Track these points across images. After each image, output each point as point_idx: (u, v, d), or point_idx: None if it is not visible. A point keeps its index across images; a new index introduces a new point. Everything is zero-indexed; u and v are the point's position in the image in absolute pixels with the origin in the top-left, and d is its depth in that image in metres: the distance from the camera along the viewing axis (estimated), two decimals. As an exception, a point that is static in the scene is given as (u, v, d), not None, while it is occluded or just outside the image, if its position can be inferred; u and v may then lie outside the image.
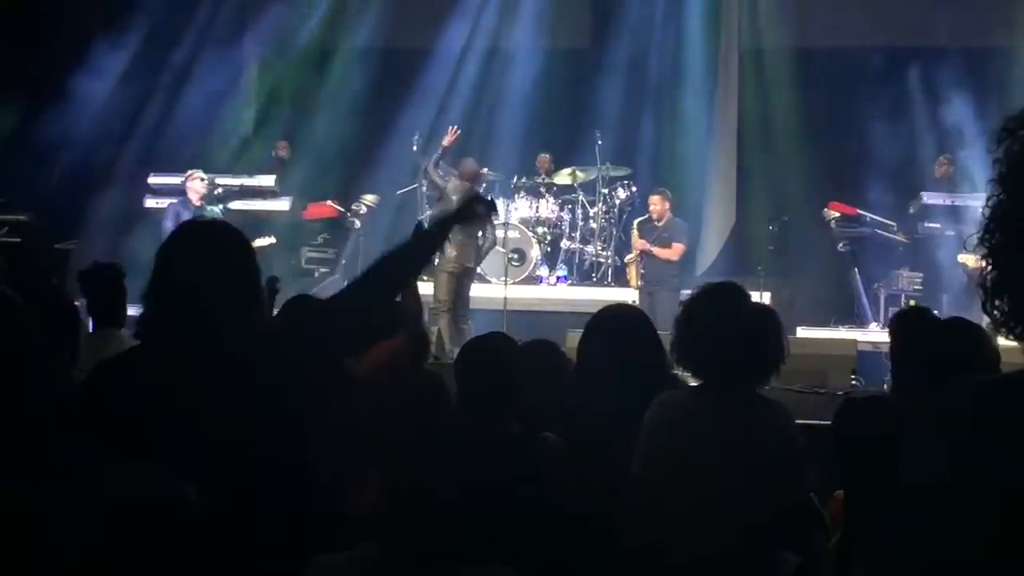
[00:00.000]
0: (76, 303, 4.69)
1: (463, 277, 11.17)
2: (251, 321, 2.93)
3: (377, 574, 2.97)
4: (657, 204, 11.99)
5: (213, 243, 2.97)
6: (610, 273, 13.00)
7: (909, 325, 4.42)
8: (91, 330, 5.39)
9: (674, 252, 11.83)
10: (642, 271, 11.97)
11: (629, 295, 11.63)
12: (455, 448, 3.95)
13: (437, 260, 11.24)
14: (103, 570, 2.09)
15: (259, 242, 10.63)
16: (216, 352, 2.82)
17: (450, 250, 10.95)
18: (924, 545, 1.52)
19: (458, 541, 3.44)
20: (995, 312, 1.61)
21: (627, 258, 12.37)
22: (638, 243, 12.01)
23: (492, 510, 3.72)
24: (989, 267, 1.61)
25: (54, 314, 3.94)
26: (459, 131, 11.89)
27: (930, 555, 1.52)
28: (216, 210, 11.69)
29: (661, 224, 11.94)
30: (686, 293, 11.49)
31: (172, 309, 2.88)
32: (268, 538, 2.82)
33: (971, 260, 10.30)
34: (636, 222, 12.29)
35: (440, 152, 11.56)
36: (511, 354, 4.22)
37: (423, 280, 11.66)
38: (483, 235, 11.43)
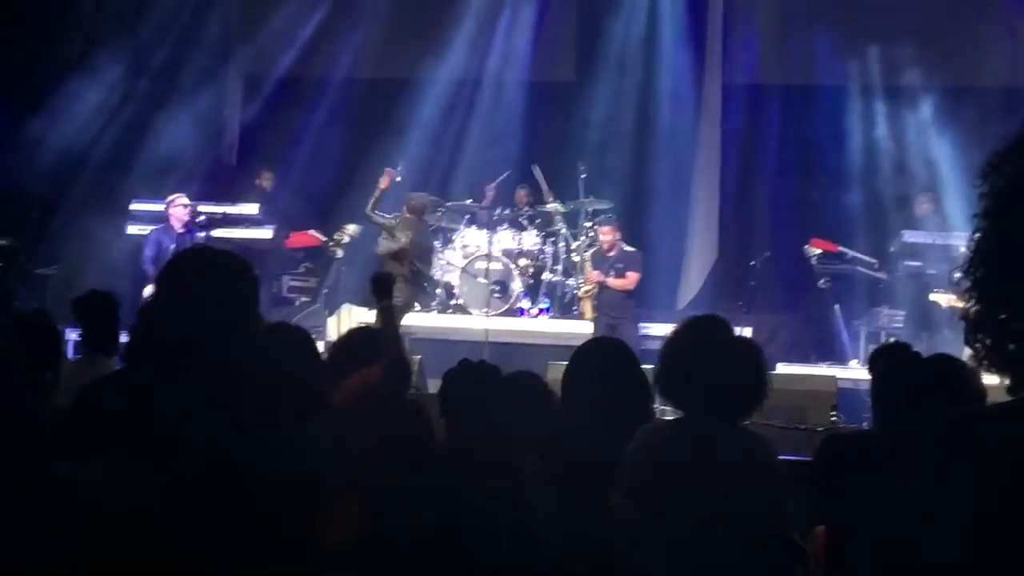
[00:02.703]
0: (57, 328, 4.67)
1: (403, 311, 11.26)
2: (239, 348, 2.92)
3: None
4: (608, 235, 11.83)
5: (216, 271, 2.95)
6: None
7: (889, 361, 4.42)
8: (80, 356, 5.37)
9: (629, 282, 11.65)
10: (595, 303, 11.87)
11: (585, 328, 11.54)
12: (436, 476, 3.94)
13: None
14: None
15: None
16: (199, 376, 2.81)
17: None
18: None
19: (436, 567, 3.42)
20: (977, 346, 1.62)
21: (581, 291, 12.25)
22: (592, 275, 11.84)
23: (470, 536, 3.71)
24: (972, 301, 1.62)
25: (38, 337, 3.92)
26: (398, 176, 11.84)
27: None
28: (200, 238, 11.67)
29: (613, 255, 11.81)
30: (643, 326, 11.51)
31: (162, 334, 2.87)
32: (239, 559, 2.80)
33: (943, 299, 10.37)
34: (587, 254, 12.16)
35: (376, 195, 11.58)
36: (494, 380, 4.23)
37: (418, 311, 11.74)
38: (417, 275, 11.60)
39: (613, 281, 11.66)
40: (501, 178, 13.24)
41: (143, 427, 2.74)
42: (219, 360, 2.84)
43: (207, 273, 2.94)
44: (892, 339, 10.69)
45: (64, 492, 2.16)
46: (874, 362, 4.48)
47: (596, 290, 11.81)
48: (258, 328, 3.02)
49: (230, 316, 2.89)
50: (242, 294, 2.94)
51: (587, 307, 11.99)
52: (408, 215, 11.55)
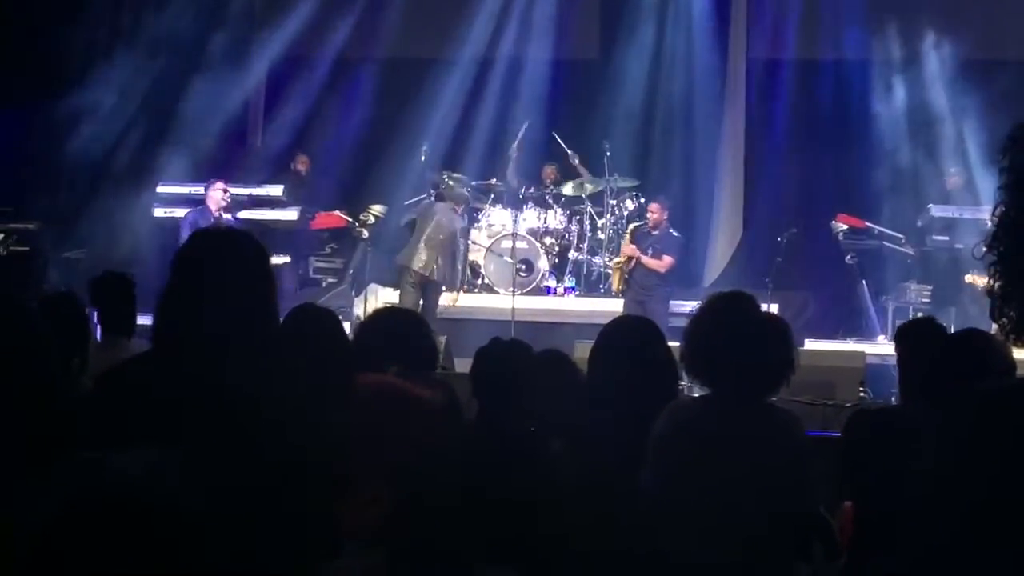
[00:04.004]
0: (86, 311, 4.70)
1: (427, 289, 11.24)
2: (261, 330, 2.92)
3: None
4: (655, 213, 11.71)
5: (229, 252, 2.95)
6: (618, 284, 12.98)
7: (916, 336, 4.41)
8: (99, 339, 5.40)
9: (663, 264, 11.48)
10: (627, 277, 11.81)
11: (612, 306, 11.51)
12: (466, 456, 3.95)
13: (403, 273, 11.34)
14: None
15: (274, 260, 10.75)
16: (222, 359, 2.81)
17: (416, 262, 11.07)
18: (941, 555, 1.52)
19: (463, 543, 3.43)
20: (1003, 320, 1.61)
21: (613, 262, 12.21)
22: (627, 248, 11.76)
23: (500, 515, 3.73)
24: (997, 275, 1.61)
25: (66, 320, 3.94)
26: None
27: (948, 564, 1.51)
28: (230, 219, 11.72)
29: (656, 233, 11.69)
30: (675, 304, 11.48)
31: (184, 316, 2.88)
32: (264, 546, 2.81)
33: (979, 280, 10.26)
34: (630, 227, 12.11)
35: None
36: (526, 358, 4.24)
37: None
38: (457, 251, 11.62)
39: (647, 259, 11.52)
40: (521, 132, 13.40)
41: (166, 411, 2.76)
42: (244, 342, 2.85)
43: (226, 254, 2.94)
44: (920, 314, 10.66)
45: (92, 480, 2.17)
46: (900, 337, 4.47)
47: (629, 264, 11.71)
48: (277, 311, 3.02)
49: (252, 297, 2.90)
50: (262, 275, 2.95)
51: (616, 278, 11.93)
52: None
